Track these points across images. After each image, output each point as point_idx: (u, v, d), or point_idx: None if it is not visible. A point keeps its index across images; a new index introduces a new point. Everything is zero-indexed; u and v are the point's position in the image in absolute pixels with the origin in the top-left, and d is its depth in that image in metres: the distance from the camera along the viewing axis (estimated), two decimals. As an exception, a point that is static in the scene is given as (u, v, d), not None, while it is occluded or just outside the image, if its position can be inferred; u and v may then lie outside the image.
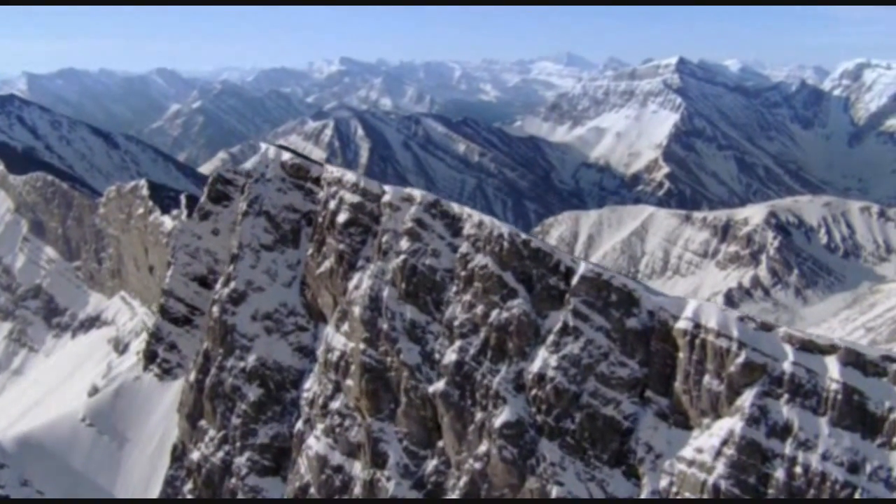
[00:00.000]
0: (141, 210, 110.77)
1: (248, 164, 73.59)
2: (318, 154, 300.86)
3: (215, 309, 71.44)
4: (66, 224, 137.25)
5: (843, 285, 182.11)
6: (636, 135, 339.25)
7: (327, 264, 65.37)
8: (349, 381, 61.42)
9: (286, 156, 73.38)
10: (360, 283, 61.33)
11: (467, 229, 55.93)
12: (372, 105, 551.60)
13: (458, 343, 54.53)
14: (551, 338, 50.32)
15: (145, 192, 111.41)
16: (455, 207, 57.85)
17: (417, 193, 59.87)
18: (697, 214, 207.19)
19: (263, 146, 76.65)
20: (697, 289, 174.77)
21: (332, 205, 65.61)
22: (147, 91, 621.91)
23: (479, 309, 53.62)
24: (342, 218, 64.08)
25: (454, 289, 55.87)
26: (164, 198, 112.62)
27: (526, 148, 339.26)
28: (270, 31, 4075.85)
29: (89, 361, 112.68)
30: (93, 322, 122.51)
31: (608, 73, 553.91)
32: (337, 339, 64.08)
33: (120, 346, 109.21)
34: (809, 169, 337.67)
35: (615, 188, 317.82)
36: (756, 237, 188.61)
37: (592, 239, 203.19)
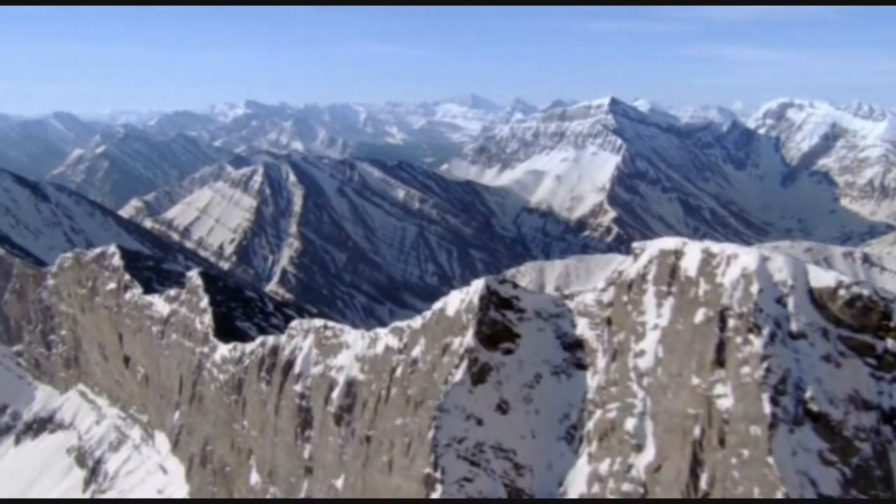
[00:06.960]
0: (112, 285, 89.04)
1: (634, 271, 33.59)
2: (248, 202, 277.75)
3: None
4: (3, 298, 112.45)
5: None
6: (577, 178, 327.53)
7: None
8: None
9: (823, 276, 28.87)
10: None
11: None
12: (282, 148, 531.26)
13: None
14: None
15: (117, 261, 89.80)
16: None
17: None
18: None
19: (719, 250, 30.30)
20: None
21: None
22: (45, 135, 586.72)
23: None
24: None
25: None
26: (140, 269, 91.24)
27: (463, 192, 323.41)
28: (166, 74, 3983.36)
29: (44, 479, 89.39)
30: (43, 424, 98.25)
31: (518, 115, 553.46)
32: None
33: (87, 461, 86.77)
34: (748, 210, 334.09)
35: (560, 234, 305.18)
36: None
37: (560, 291, 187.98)
